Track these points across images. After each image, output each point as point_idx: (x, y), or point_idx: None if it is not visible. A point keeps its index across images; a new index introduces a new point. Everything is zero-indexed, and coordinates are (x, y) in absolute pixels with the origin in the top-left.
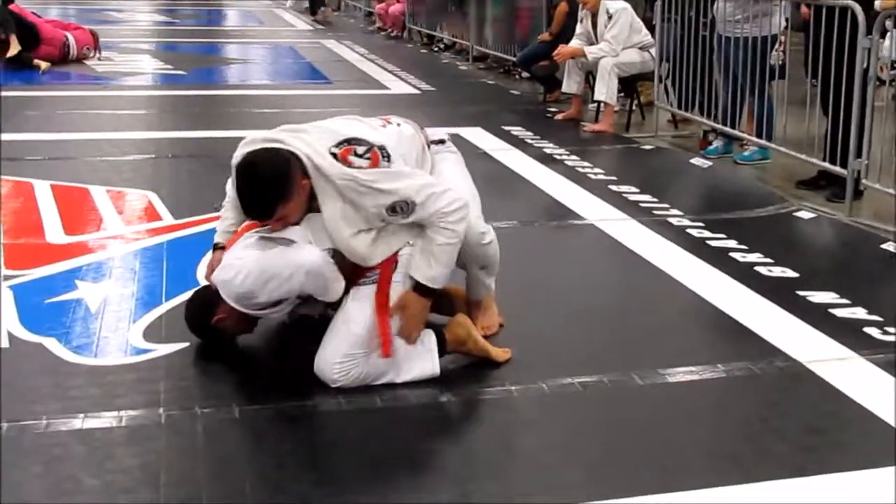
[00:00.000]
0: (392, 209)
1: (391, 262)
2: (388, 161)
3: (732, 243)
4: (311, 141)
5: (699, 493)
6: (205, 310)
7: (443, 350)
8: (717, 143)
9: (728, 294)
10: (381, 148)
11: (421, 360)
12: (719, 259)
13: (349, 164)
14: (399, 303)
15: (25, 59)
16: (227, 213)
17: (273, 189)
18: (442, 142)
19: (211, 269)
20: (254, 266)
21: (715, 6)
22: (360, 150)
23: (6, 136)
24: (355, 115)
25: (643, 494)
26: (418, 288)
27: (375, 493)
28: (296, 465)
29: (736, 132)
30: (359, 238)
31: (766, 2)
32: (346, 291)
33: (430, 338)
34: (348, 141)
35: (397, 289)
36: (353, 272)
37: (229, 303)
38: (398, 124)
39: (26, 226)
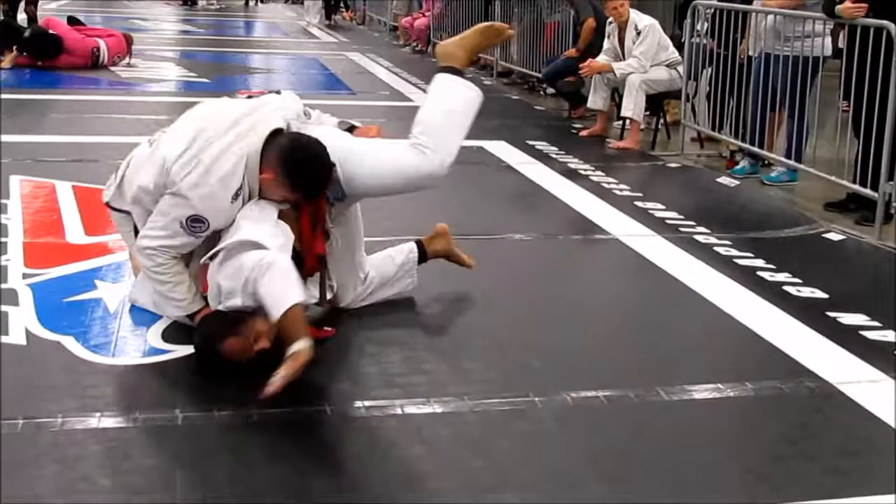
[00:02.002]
0: None
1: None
2: None
3: (760, 262)
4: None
5: None
6: (213, 337)
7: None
8: (743, 163)
9: (756, 312)
10: None
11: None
12: (747, 277)
13: None
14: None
15: None
16: (184, 276)
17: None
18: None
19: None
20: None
21: (756, 22)
22: None
23: (30, 139)
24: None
25: None
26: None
27: (393, 500)
28: (314, 470)
29: (764, 152)
30: None
31: (816, 21)
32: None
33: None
34: None
35: None
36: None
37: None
38: None
39: (47, 225)
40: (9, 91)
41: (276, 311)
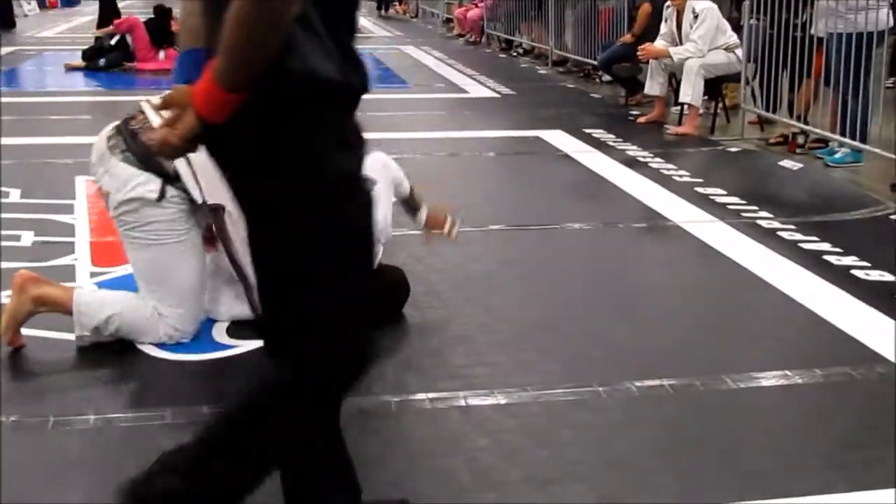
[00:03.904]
0: None
1: None
2: None
3: (826, 246)
4: None
5: (806, 500)
6: None
7: None
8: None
9: (823, 297)
10: None
11: None
12: (813, 262)
13: None
14: None
15: None
16: None
17: None
18: None
19: None
20: None
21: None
22: None
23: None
24: None
25: (743, 500)
26: None
27: (458, 492)
28: (378, 463)
29: (828, 134)
30: None
31: None
32: None
33: None
34: None
35: None
36: None
37: None
38: None
39: (112, 225)
40: (71, 94)
41: None
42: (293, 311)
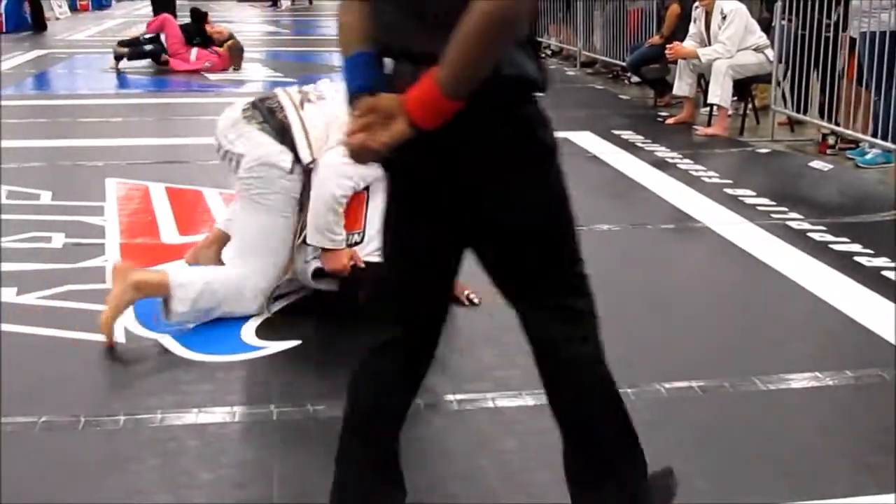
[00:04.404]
0: None
1: None
2: None
3: (857, 247)
4: None
5: (836, 502)
6: None
7: None
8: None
9: (854, 298)
10: None
11: None
12: (843, 263)
13: None
14: None
15: None
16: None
17: None
18: None
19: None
20: None
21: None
22: None
23: (123, 142)
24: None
25: (774, 502)
26: None
27: (487, 494)
28: (407, 464)
29: (858, 134)
30: None
31: None
32: None
33: None
34: None
35: None
36: None
37: None
38: None
39: (142, 226)
40: (101, 96)
41: None
42: (554, 270)
